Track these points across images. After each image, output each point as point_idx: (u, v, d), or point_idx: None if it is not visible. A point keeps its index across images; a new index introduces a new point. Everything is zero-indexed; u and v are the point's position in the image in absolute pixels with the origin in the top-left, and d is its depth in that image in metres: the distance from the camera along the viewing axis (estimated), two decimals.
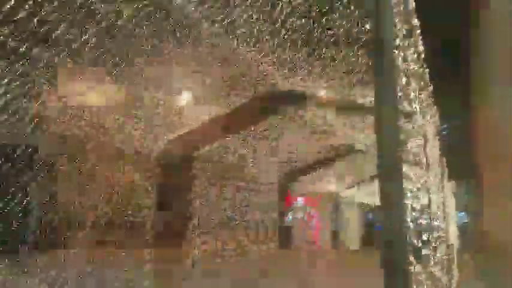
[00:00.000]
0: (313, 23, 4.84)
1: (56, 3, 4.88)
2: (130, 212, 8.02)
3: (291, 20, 4.90)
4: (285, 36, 5.47)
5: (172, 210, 8.92)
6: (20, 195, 6.63)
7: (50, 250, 6.87)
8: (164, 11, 5.42)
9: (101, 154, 7.61)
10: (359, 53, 5.32)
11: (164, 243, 8.39)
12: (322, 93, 8.36)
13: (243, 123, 9.80)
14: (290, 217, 17.03)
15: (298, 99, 9.02)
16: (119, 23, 5.51)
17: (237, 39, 6.03)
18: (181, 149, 9.32)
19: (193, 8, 5.27)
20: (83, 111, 6.90)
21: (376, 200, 25.84)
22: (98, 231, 7.68)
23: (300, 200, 19.39)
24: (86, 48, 5.79)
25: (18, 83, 5.87)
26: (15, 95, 6.02)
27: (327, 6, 4.36)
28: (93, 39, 5.66)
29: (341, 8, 4.30)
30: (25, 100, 6.17)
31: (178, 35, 5.97)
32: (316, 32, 4.98)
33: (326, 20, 4.63)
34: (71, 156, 7.18)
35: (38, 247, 6.83)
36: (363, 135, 11.03)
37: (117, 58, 6.25)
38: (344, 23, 4.59)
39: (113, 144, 7.79)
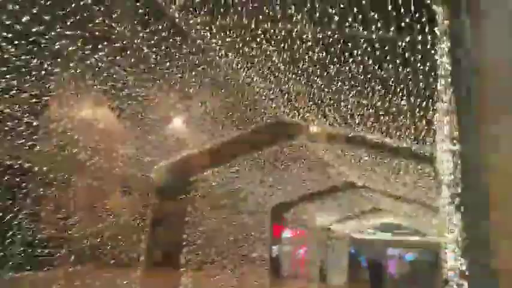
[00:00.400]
0: (329, 58, 4.83)
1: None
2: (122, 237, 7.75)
3: (306, 54, 4.90)
4: (298, 70, 5.48)
5: (166, 235, 8.68)
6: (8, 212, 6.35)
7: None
8: (180, 36, 5.39)
9: (96, 176, 7.39)
10: (372, 90, 5.31)
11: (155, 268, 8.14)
12: (323, 127, 8.36)
13: (241, 151, 9.71)
14: (277, 248, 16.72)
15: (298, 131, 9.03)
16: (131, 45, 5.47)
17: (249, 70, 6.03)
18: (178, 174, 9.15)
19: (209, 36, 5.26)
20: (81, 133, 6.70)
21: (364, 236, 25.77)
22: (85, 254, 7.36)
23: (288, 232, 19.17)
24: (95, 68, 5.71)
25: (22, 97, 5.72)
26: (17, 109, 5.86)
27: (348, 42, 4.35)
28: (104, 60, 5.60)
29: (359, 44, 4.30)
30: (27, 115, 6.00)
31: (188, 60, 5.94)
32: (332, 67, 4.97)
33: (343, 56, 4.63)
34: (66, 177, 6.95)
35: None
36: (359, 170, 11.02)
37: (121, 80, 6.16)
38: (361, 59, 4.58)
39: (110, 167, 7.60)
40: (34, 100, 5.96)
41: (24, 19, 4.60)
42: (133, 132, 7.44)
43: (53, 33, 4.82)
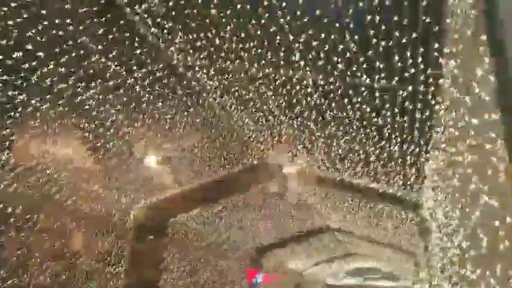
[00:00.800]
0: (326, 104, 4.89)
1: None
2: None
3: (303, 100, 4.95)
4: (292, 114, 5.51)
5: (143, 275, 8.25)
6: None
7: None
8: (175, 76, 5.35)
9: (72, 217, 7.02)
10: (366, 136, 5.37)
11: None
12: (309, 170, 8.35)
13: (221, 194, 9.52)
14: None
15: (280, 174, 8.99)
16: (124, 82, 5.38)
17: (242, 112, 6.02)
18: (157, 216, 8.84)
19: (206, 78, 5.25)
20: (55, 171, 6.38)
21: (339, 280, 25.38)
22: None
23: (260, 276, 18.68)
24: (84, 106, 5.54)
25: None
26: None
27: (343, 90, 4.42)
28: (94, 97, 5.45)
29: (359, 92, 4.38)
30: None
31: (181, 100, 5.88)
32: (328, 112, 5.02)
33: (342, 103, 4.69)
34: (39, 217, 6.54)
35: None
36: (341, 214, 10.99)
37: (110, 118, 6.00)
38: (359, 106, 4.65)
39: (87, 208, 7.25)
40: (12, 137, 5.70)
41: (16, 55, 4.44)
42: (117, 170, 7.18)
43: (44, 70, 4.67)
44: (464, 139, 2.80)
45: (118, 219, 7.99)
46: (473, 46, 2.26)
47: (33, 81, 4.74)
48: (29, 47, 4.35)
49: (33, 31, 4.22)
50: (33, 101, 5.07)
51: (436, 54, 3.23)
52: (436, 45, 3.14)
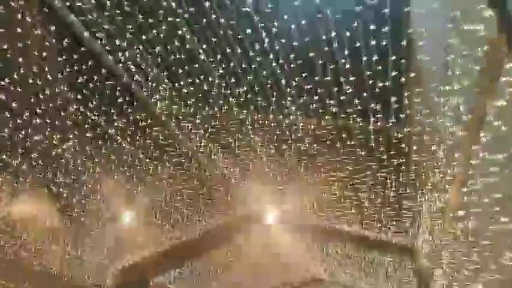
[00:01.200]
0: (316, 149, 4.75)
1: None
2: None
3: (293, 145, 4.79)
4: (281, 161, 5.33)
5: None
6: None
7: None
8: (158, 127, 5.13)
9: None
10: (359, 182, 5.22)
11: None
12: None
13: (204, 250, 9.02)
14: None
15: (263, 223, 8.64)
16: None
17: (226, 159, 5.80)
18: (135, 277, 8.21)
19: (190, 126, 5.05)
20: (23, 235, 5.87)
21: None
22: None
23: None
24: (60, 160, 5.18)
25: None
26: None
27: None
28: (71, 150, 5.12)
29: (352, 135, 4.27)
30: None
31: (163, 151, 5.63)
32: (319, 158, 4.87)
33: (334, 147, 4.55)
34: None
35: None
36: (328, 263, 10.59)
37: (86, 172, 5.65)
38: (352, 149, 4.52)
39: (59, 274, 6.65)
40: None
41: None
42: (89, 230, 6.67)
43: (18, 122, 4.36)
44: (475, 178, 2.64)
45: (92, 284, 7.35)
46: (481, 82, 2.16)
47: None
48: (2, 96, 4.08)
49: (7, 80, 3.97)
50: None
51: (433, 94, 3.15)
52: (435, 85, 3.07)
